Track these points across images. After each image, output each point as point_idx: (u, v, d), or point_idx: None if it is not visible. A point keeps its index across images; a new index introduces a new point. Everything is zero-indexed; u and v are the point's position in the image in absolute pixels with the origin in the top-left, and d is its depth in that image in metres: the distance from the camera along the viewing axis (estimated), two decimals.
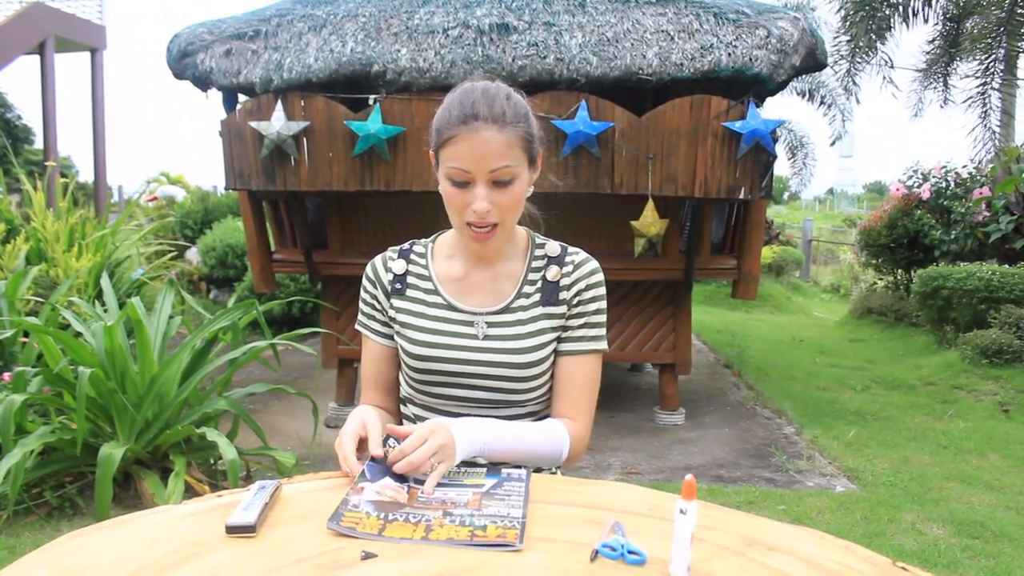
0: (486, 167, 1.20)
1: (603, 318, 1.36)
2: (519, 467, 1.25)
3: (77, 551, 0.90)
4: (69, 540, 0.93)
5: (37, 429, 2.96)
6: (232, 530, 0.93)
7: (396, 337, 1.37)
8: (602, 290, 1.35)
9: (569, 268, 1.34)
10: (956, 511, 3.27)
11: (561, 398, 1.34)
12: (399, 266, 1.37)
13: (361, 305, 1.41)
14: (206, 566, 0.86)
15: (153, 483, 3.03)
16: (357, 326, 1.43)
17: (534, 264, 1.35)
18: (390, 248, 1.41)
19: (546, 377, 1.34)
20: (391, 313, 1.36)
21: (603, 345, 1.35)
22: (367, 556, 0.89)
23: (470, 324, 1.32)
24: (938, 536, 3.03)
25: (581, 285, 1.33)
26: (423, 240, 1.41)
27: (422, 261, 1.38)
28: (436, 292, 1.35)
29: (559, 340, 1.34)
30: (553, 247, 1.37)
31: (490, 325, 1.32)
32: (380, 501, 1.04)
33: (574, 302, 1.33)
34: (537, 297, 1.33)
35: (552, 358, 1.35)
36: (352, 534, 0.94)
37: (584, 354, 1.33)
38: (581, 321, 1.33)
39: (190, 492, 3.06)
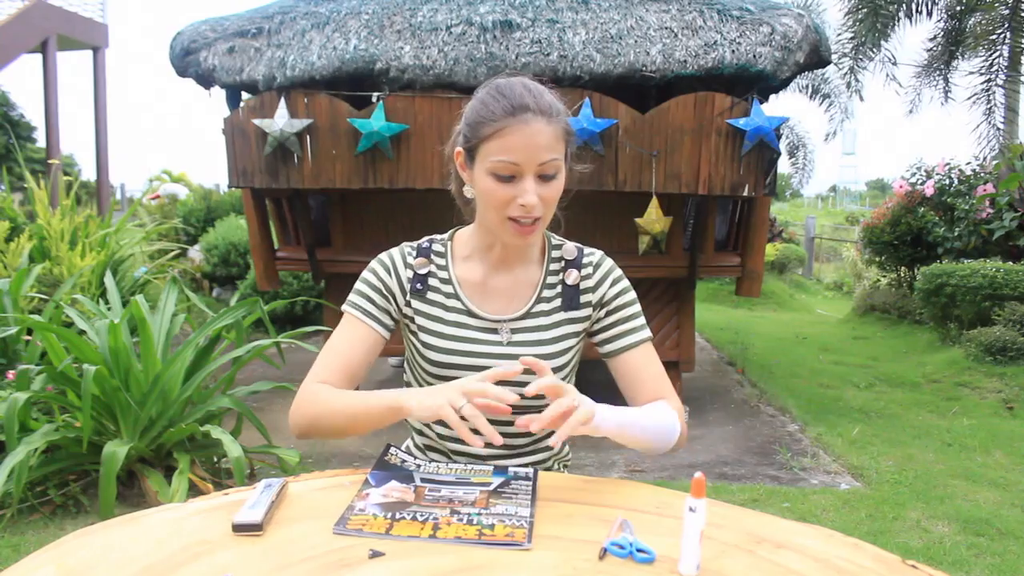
0: (536, 159, 1.17)
1: (638, 308, 1.33)
2: (526, 466, 1.25)
3: (84, 549, 0.90)
4: (75, 538, 0.93)
5: (41, 427, 2.96)
6: (239, 528, 0.93)
7: (411, 338, 1.33)
8: (627, 282, 1.34)
9: (589, 270, 1.32)
10: (961, 509, 3.26)
11: (642, 389, 1.29)
12: (420, 265, 1.31)
13: (362, 287, 1.30)
14: (213, 564, 0.86)
15: (157, 481, 3.03)
16: (348, 307, 1.30)
17: (552, 267, 1.33)
18: (405, 244, 1.34)
19: (566, 380, 1.32)
20: (406, 311, 1.31)
21: (649, 333, 1.33)
22: (375, 555, 0.88)
23: (493, 331, 1.29)
24: (943, 534, 3.03)
25: (607, 284, 1.32)
26: (440, 237, 1.36)
27: (441, 261, 1.33)
28: (456, 296, 1.31)
29: (606, 342, 1.32)
30: (569, 249, 1.34)
31: (513, 331, 1.29)
32: (386, 502, 1.03)
33: (605, 303, 1.31)
34: (558, 303, 1.32)
35: (573, 362, 1.33)
36: (359, 534, 0.94)
37: (640, 344, 1.30)
38: (622, 315, 1.31)
39: (194, 490, 3.06)
